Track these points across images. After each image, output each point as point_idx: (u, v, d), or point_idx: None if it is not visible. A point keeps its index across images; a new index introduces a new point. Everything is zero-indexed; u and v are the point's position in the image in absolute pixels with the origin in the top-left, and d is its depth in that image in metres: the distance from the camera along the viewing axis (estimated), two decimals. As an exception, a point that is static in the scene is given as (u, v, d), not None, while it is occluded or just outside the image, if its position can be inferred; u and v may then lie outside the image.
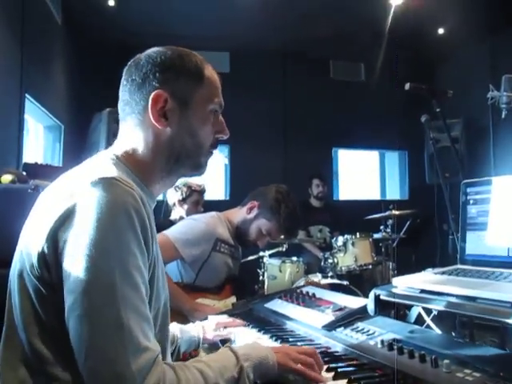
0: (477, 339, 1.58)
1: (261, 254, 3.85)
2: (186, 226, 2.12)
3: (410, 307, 1.49)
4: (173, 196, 3.36)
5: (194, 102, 1.02)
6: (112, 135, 4.72)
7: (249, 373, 0.96)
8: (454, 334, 1.57)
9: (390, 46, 5.71)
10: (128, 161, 1.01)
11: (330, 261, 3.99)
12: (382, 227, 4.21)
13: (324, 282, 3.28)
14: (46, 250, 0.83)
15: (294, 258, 4.04)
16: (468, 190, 1.45)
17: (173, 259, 2.05)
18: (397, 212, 4.09)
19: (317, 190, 5.24)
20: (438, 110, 2.06)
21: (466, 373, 0.96)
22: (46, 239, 0.83)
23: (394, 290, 1.25)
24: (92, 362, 0.77)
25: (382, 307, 1.26)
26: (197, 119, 1.03)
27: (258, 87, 6.03)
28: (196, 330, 1.46)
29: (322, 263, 4.18)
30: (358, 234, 4.06)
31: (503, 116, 2.14)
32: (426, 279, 1.25)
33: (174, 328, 1.40)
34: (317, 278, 3.50)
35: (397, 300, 1.21)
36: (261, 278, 3.80)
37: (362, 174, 7.02)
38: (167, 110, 1.00)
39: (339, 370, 1.09)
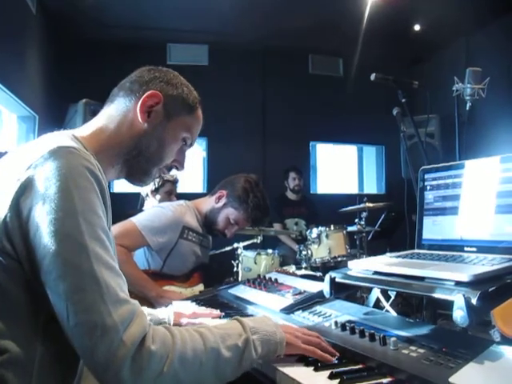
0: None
1: (235, 245, 3.85)
2: (153, 213, 2.11)
3: (370, 291, 1.51)
4: (145, 186, 3.34)
5: (176, 121, 1.13)
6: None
7: (257, 346, 0.96)
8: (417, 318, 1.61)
9: (368, 42, 5.75)
10: (86, 140, 1.04)
11: (305, 253, 4.02)
12: (356, 220, 4.25)
13: (298, 273, 3.31)
14: (8, 221, 0.83)
15: (270, 251, 4.06)
16: (425, 176, 1.48)
17: (139, 246, 2.04)
18: (370, 205, 4.15)
19: (293, 183, 5.28)
20: (403, 100, 2.09)
21: (412, 349, 0.99)
22: (8, 210, 0.83)
23: (348, 273, 1.27)
24: (74, 317, 0.79)
25: (338, 290, 1.29)
26: (170, 135, 1.12)
27: (236, 80, 6.02)
28: (165, 313, 1.45)
29: (297, 255, 4.22)
30: (332, 226, 4.10)
31: (467, 108, 2.18)
32: (380, 262, 1.27)
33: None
34: (291, 269, 3.52)
35: (351, 282, 1.23)
36: (235, 269, 3.81)
37: (340, 168, 7.07)
38: (153, 111, 1.09)
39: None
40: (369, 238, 4.42)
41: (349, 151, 7.17)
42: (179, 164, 1.19)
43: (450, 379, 0.83)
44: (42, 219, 0.81)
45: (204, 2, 5.07)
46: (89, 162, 0.89)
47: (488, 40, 5.39)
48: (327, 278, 1.28)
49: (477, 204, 1.30)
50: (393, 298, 1.44)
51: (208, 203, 2.24)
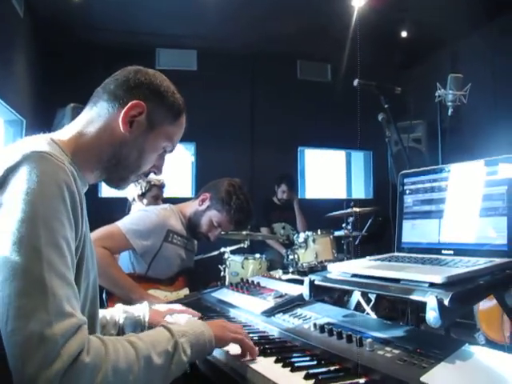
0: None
1: (222, 249, 3.86)
2: (137, 217, 2.12)
3: (350, 294, 1.53)
4: (132, 191, 3.35)
5: (158, 132, 1.12)
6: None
7: (185, 348, 0.97)
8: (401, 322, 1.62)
9: (356, 48, 5.80)
10: (65, 144, 1.04)
11: (292, 257, 4.04)
12: (343, 225, 4.28)
13: (284, 277, 3.32)
14: None
15: (257, 255, 4.08)
16: (405, 180, 1.51)
17: (123, 249, 2.04)
18: (357, 209, 4.17)
19: (281, 195, 5.25)
20: (386, 106, 2.11)
21: (387, 350, 1.01)
22: None
23: (328, 275, 1.29)
24: (13, 323, 0.76)
25: (317, 292, 1.30)
26: (150, 145, 1.12)
27: (225, 85, 6.03)
28: (141, 309, 1.44)
29: (285, 260, 4.23)
30: (318, 231, 4.12)
31: (449, 113, 2.22)
32: (359, 265, 1.29)
33: (118, 308, 1.40)
34: (277, 274, 3.54)
35: (329, 284, 1.25)
36: (222, 273, 3.81)
37: (328, 173, 7.11)
38: (136, 121, 1.08)
39: (268, 350, 1.12)
40: (356, 242, 4.44)
41: (337, 156, 7.21)
42: (157, 169, 1.19)
43: (422, 378, 0.85)
44: (1, 220, 0.81)
45: (193, 8, 5.08)
46: (61, 169, 0.88)
47: (472, 47, 5.48)
48: (306, 280, 1.30)
49: (455, 207, 1.33)
50: (373, 301, 1.46)
51: (192, 206, 2.25)
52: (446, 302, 0.91)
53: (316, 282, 1.27)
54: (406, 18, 5.51)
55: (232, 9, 5.14)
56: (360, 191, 7.01)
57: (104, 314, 1.35)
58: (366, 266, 1.25)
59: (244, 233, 3.77)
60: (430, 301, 0.92)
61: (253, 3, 5.13)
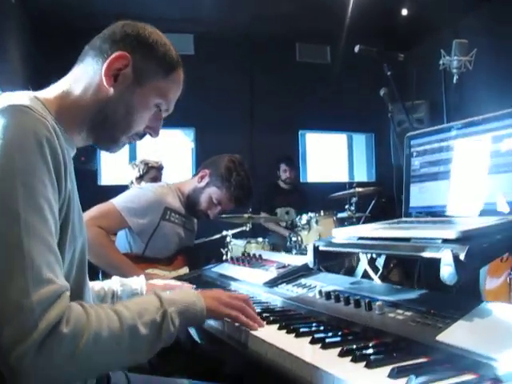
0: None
1: (224, 233, 3.79)
2: (133, 194, 2.03)
3: (357, 263, 1.46)
4: (130, 174, 3.28)
5: (147, 86, 1.01)
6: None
7: (174, 318, 0.90)
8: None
9: (355, 28, 5.69)
10: (50, 102, 0.96)
11: (294, 239, 3.97)
12: (346, 206, 4.21)
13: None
14: None
15: (260, 239, 4.01)
16: (412, 142, 1.43)
17: (119, 228, 1.97)
18: (360, 189, 4.11)
19: (284, 175, 5.21)
20: (388, 73, 2.04)
21: (398, 313, 0.94)
22: None
23: (332, 240, 1.22)
24: None
25: (322, 259, 1.23)
26: (139, 101, 1.01)
27: (223, 70, 5.93)
28: (138, 282, 1.38)
29: (288, 243, 4.17)
30: (321, 212, 4.05)
31: (454, 81, 2.13)
32: (365, 229, 1.22)
33: (115, 280, 1.34)
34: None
35: (335, 249, 1.18)
36: (224, 257, 3.75)
37: (330, 156, 7.02)
38: (121, 74, 0.98)
39: (271, 318, 1.05)
40: (360, 223, 4.37)
41: (338, 140, 7.12)
42: (153, 131, 1.08)
43: (438, 338, 0.78)
44: None
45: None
46: (41, 124, 0.80)
47: (477, 24, 5.35)
48: (310, 247, 1.23)
49: (464, 167, 1.25)
50: (381, 269, 1.39)
51: (190, 184, 2.17)
52: (462, 257, 0.84)
53: (320, 248, 1.20)
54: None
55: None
56: (362, 174, 6.93)
57: (102, 285, 1.29)
58: (372, 229, 1.18)
59: (246, 215, 3.70)
60: (445, 256, 0.85)
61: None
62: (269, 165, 5.39)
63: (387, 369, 0.71)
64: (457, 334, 0.78)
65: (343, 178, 6.89)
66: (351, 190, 4.12)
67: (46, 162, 0.79)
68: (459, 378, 0.68)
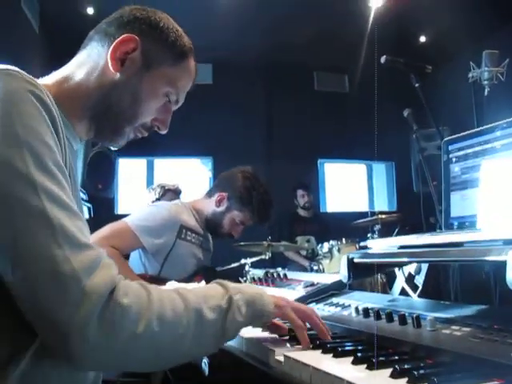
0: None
1: (243, 261, 3.65)
2: (146, 212, 1.93)
3: (392, 281, 1.32)
4: (147, 198, 3.19)
5: (156, 72, 0.93)
6: (91, 145, 4.58)
7: (240, 306, 0.80)
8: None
9: (372, 56, 5.66)
10: (48, 87, 0.85)
11: (316, 268, 3.82)
12: (369, 234, 4.07)
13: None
14: None
15: (279, 269, 3.86)
16: (449, 147, 1.31)
17: (133, 248, 1.86)
18: (383, 216, 3.97)
19: (303, 201, 5.13)
20: (416, 85, 1.94)
21: (454, 329, 0.80)
22: None
23: (369, 252, 1.08)
24: (21, 269, 0.62)
25: (358, 273, 1.10)
26: (147, 89, 0.93)
27: (241, 99, 5.92)
28: (195, 286, 1.27)
29: (309, 272, 4.02)
30: (343, 239, 3.90)
31: (486, 93, 2.02)
32: (404, 239, 1.09)
33: (170, 284, 1.26)
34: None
35: (373, 260, 1.05)
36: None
37: (349, 186, 6.89)
38: (128, 59, 0.91)
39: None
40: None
41: (357, 169, 7.00)
42: (161, 123, 0.98)
43: (514, 354, 0.64)
44: None
45: (207, 20, 5.02)
46: (34, 86, 0.72)
47: (506, 38, 5.25)
48: (344, 259, 1.10)
49: (514, 169, 1.12)
50: (421, 286, 1.25)
51: (208, 206, 2.08)
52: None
53: (356, 260, 1.07)
54: (424, 22, 5.36)
55: (246, 21, 5.08)
56: (383, 204, 6.76)
57: None
58: (412, 238, 1.05)
59: (265, 243, 3.58)
60: (512, 257, 0.71)
61: (266, 14, 5.06)
62: (287, 194, 5.30)
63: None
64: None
65: (363, 207, 6.74)
66: (374, 217, 3.98)
67: (47, 124, 0.71)
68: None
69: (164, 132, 1.00)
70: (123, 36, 0.90)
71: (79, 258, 0.64)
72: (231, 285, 0.84)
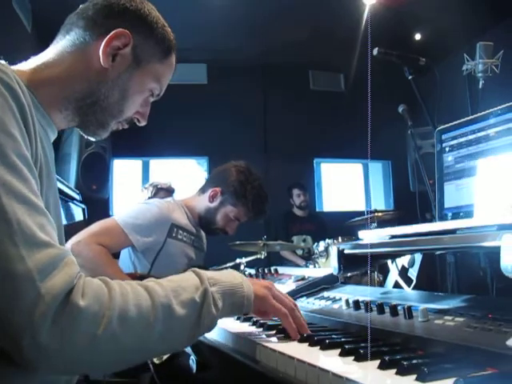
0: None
1: (238, 260, 3.61)
2: (136, 209, 1.87)
3: (386, 274, 1.29)
4: (140, 197, 3.15)
5: (145, 69, 0.93)
6: (84, 146, 4.55)
7: (216, 299, 0.76)
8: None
9: (368, 55, 5.64)
10: (24, 74, 0.82)
11: (312, 267, 3.78)
12: (366, 232, 4.03)
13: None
14: None
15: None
16: (443, 136, 1.28)
17: (122, 246, 1.80)
18: (379, 214, 3.93)
19: (298, 200, 5.10)
20: (410, 77, 1.91)
21: (447, 319, 0.77)
22: None
23: (359, 242, 1.05)
24: None
25: (348, 265, 1.06)
26: (136, 84, 0.92)
27: (236, 98, 5.87)
28: None
29: (305, 272, 3.98)
30: (339, 238, 3.86)
31: (480, 86, 1.99)
32: (396, 229, 1.05)
33: None
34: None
35: (364, 250, 1.01)
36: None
37: (345, 185, 6.86)
38: (119, 54, 0.88)
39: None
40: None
41: (354, 168, 6.97)
42: (141, 116, 0.98)
43: (508, 342, 0.60)
44: None
45: (200, 21, 4.99)
46: (2, 73, 0.68)
47: (500, 34, 5.23)
48: (334, 251, 1.06)
49: (508, 156, 1.09)
50: (415, 280, 1.21)
51: (200, 203, 2.02)
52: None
53: (346, 251, 1.03)
54: (419, 20, 5.34)
55: (240, 20, 5.04)
56: (380, 203, 6.72)
57: None
58: (405, 227, 1.02)
59: (261, 242, 3.55)
60: (507, 241, 0.68)
61: (261, 13, 5.03)
62: (283, 194, 5.27)
63: (446, 382, 0.54)
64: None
65: (360, 207, 6.70)
66: (370, 215, 3.95)
67: (12, 113, 0.66)
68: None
69: (143, 124, 0.99)
70: (116, 31, 0.87)
71: (36, 257, 0.59)
72: (208, 274, 0.79)
